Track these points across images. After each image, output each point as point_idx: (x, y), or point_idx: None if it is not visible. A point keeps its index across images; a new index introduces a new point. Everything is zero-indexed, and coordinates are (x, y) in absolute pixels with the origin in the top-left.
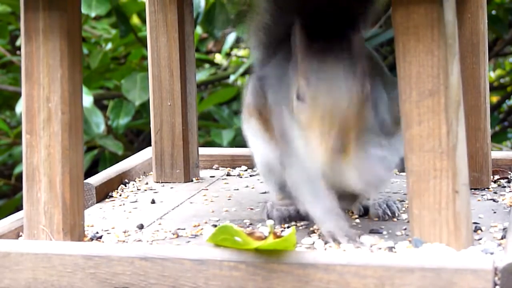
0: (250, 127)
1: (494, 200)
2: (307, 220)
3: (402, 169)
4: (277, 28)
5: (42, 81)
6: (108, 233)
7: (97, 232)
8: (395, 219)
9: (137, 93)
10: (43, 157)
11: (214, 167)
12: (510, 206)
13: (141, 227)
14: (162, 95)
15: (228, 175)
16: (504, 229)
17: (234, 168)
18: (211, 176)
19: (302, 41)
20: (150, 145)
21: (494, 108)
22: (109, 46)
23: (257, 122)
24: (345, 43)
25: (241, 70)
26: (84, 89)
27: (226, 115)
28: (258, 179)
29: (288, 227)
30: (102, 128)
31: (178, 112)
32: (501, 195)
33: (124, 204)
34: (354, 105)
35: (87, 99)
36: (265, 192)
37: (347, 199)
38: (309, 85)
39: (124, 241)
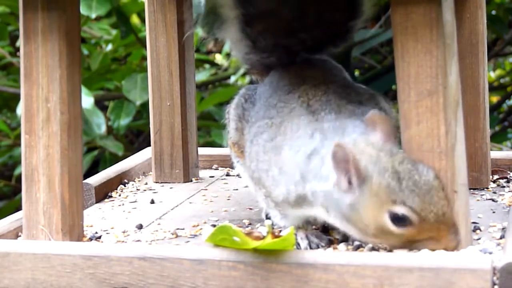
0: (235, 160)
1: (493, 200)
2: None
3: None
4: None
5: (41, 81)
6: (107, 233)
7: (96, 232)
8: None
9: (137, 93)
10: (42, 157)
11: (213, 167)
12: (509, 206)
13: (140, 227)
14: (161, 95)
15: (228, 175)
16: (503, 229)
17: (233, 168)
18: (210, 176)
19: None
20: (150, 146)
21: (494, 108)
22: (110, 47)
23: (241, 160)
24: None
25: (241, 70)
26: (85, 90)
27: None
28: None
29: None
30: (103, 129)
31: (178, 112)
32: (500, 195)
33: (123, 204)
34: (452, 205)
35: (88, 100)
36: None
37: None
38: (410, 209)
39: (123, 241)
